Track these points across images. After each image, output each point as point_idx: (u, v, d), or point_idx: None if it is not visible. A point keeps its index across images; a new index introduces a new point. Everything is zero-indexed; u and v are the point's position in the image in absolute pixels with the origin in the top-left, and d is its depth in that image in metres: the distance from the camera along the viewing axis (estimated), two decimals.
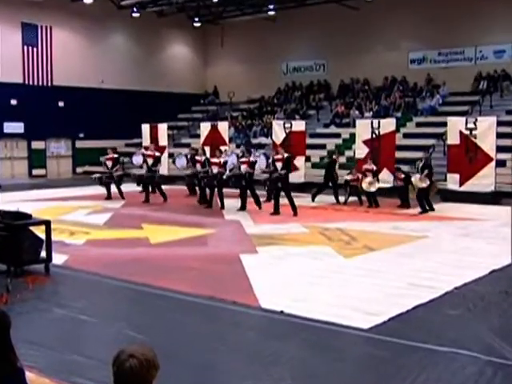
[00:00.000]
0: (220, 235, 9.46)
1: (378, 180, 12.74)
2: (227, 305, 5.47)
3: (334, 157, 14.06)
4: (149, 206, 13.09)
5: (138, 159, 14.45)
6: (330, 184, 13.51)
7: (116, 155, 14.43)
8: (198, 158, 13.25)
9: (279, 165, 11.52)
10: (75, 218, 11.18)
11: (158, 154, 14.26)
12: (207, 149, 15.48)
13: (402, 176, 12.57)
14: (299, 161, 15.26)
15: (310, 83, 24.74)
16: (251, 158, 12.04)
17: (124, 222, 10.85)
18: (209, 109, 26.30)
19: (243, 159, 12.16)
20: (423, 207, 11.76)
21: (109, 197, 14.01)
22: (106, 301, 5.85)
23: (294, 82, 25.20)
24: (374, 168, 12.88)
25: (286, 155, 11.66)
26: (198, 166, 13.24)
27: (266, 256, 7.69)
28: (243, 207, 12.06)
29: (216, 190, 12.57)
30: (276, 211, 11.45)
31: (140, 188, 14.85)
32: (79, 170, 23.29)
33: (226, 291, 5.90)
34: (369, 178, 12.63)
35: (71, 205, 13.27)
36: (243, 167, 11.93)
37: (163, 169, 16.69)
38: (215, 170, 12.44)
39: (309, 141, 17.60)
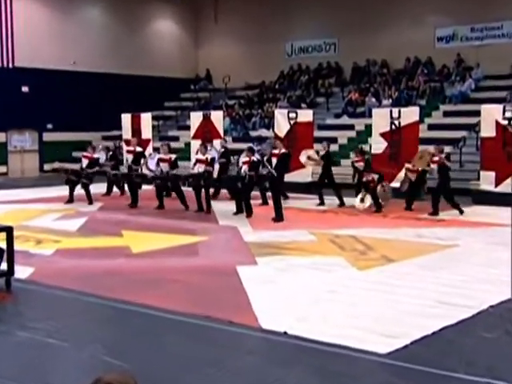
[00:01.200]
0: (213, 243, 9.48)
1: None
2: (222, 325, 5.48)
3: (326, 148, 13.93)
4: (130, 210, 13.11)
5: (152, 164, 13.99)
6: (327, 181, 13.54)
7: (96, 155, 14.38)
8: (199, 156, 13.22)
9: (274, 161, 11.53)
10: (43, 224, 11.18)
11: (139, 149, 14.27)
12: (197, 142, 15.52)
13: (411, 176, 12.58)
14: (303, 157, 15.25)
15: (319, 66, 24.80)
16: (253, 158, 12.01)
17: (101, 228, 10.86)
18: (200, 96, 26.39)
19: (244, 158, 12.16)
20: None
21: (71, 199, 13.97)
22: (79, 321, 5.83)
23: (299, 65, 25.26)
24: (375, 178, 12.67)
25: (282, 151, 11.67)
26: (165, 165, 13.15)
27: (266, 268, 7.71)
28: (239, 210, 12.11)
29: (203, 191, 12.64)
30: (278, 217, 11.45)
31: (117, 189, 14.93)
32: (47, 167, 23.30)
33: (220, 309, 5.90)
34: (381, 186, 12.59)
35: (38, 208, 13.27)
36: (244, 168, 11.94)
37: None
38: (201, 168, 12.45)
39: (317, 133, 17.64)
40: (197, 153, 13.43)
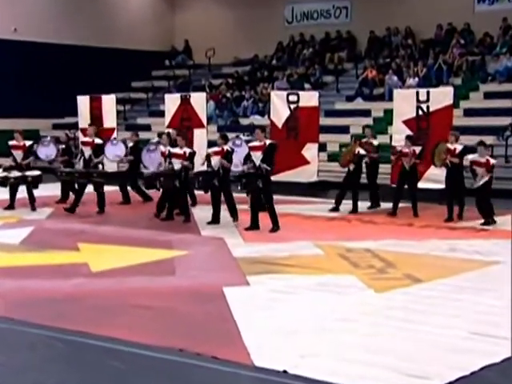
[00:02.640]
0: (194, 259, 9.47)
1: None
2: (204, 362, 5.45)
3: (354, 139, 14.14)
4: (87, 218, 13.07)
5: (152, 159, 13.70)
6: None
7: (28, 142, 14.19)
8: (161, 148, 13.18)
9: (257, 155, 11.54)
10: None
11: (98, 140, 14.17)
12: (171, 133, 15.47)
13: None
14: (310, 150, 15.29)
15: (326, 36, 24.90)
16: (226, 147, 12.10)
17: (51, 240, 10.80)
18: (177, 74, 26.44)
19: (216, 149, 12.25)
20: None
21: (11, 205, 13.87)
22: (21, 360, 5.76)
23: (302, 35, 25.36)
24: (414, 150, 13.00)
25: (268, 142, 11.72)
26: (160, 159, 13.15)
27: (260, 290, 7.70)
28: (215, 218, 12.22)
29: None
30: (276, 226, 11.53)
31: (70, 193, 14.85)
32: None
33: (202, 341, 5.88)
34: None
35: None
36: (215, 160, 12.00)
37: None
38: (177, 164, 12.47)
39: (324, 121, 17.69)
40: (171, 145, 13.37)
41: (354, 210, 13.52)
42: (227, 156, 12.02)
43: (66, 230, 11.79)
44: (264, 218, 11.63)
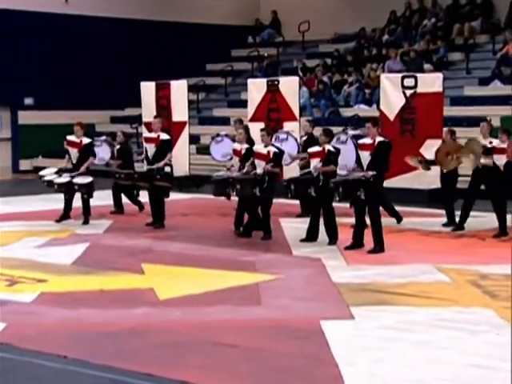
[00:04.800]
0: (284, 285, 9.47)
1: None
2: None
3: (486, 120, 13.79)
4: (152, 232, 13.30)
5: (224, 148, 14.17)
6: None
7: (86, 139, 14.46)
8: (236, 146, 13.29)
9: (366, 156, 11.46)
10: (20, 254, 11.43)
11: (164, 136, 14.26)
12: (256, 126, 15.58)
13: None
14: (431, 148, 15.05)
15: (454, 2, 24.49)
16: (328, 146, 12.01)
17: (110, 260, 11.00)
18: (263, 53, 26.53)
19: (315, 148, 12.25)
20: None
21: (66, 215, 14.23)
22: None
23: (421, 2, 25.04)
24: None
25: (378, 139, 11.52)
26: (234, 160, 13.24)
27: (368, 325, 7.65)
28: (312, 235, 12.23)
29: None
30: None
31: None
32: (25, 164, 23.99)
33: None
34: None
35: (12, 230, 13.60)
36: (313, 162, 12.05)
37: (179, 165, 16.94)
38: (260, 168, 12.45)
39: (449, 111, 17.37)
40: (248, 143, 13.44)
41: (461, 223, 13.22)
42: (329, 158, 11.90)
43: (127, 247, 12.03)
44: (368, 234, 11.58)
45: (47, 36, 23.87)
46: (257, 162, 12.57)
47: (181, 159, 17.20)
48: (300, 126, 15.86)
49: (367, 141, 11.66)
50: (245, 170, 12.65)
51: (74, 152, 14.28)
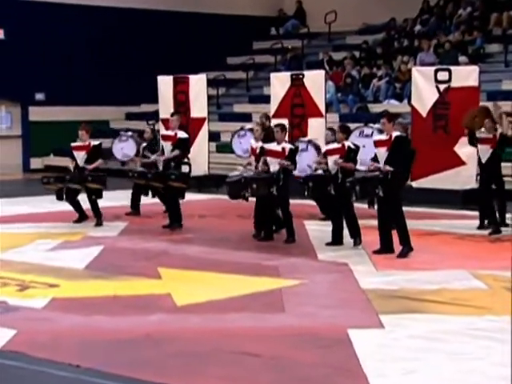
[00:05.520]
0: (309, 291, 9.48)
1: None
2: None
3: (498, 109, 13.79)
4: (169, 235, 13.35)
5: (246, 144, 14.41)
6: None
7: (95, 141, 14.42)
8: (252, 143, 13.29)
9: (382, 152, 11.40)
10: (31, 258, 11.48)
11: (181, 134, 14.23)
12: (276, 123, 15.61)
13: None
14: (466, 146, 14.98)
15: None
16: (348, 143, 12.05)
17: (125, 263, 11.06)
18: (287, 45, 26.52)
19: (334, 145, 12.29)
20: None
21: (81, 217, 14.33)
22: None
23: None
24: None
25: (394, 134, 11.49)
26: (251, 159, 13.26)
27: (399, 335, 7.63)
28: (337, 238, 12.25)
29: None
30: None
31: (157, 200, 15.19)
32: (36, 163, 24.10)
33: None
34: None
35: (23, 232, 13.69)
36: (331, 160, 12.06)
37: (198, 163, 17.00)
38: (274, 165, 12.47)
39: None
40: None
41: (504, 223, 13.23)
42: (349, 155, 11.95)
43: (142, 250, 12.06)
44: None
45: (59, 28, 23.98)
46: (269, 159, 12.59)
47: (200, 158, 17.28)
48: (326, 123, 15.88)
49: (383, 137, 11.70)
50: (260, 169, 12.67)
51: (81, 155, 14.24)
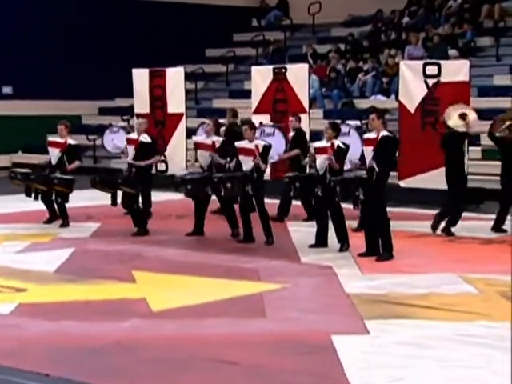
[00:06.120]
0: (291, 296, 9.48)
1: None
2: None
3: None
4: (144, 237, 13.32)
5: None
6: None
7: (71, 141, 14.32)
8: (198, 138, 13.35)
9: (369, 151, 11.44)
10: None
11: (144, 138, 13.85)
12: (260, 119, 15.65)
13: None
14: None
15: None
16: (337, 142, 12.06)
17: (97, 266, 11.03)
18: (268, 38, 26.53)
19: (322, 143, 12.30)
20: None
21: (52, 218, 14.28)
22: None
23: None
24: None
25: (382, 134, 11.51)
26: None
27: (385, 341, 7.64)
28: (321, 240, 12.27)
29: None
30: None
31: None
32: (3, 160, 23.95)
33: None
34: None
35: None
36: (320, 159, 12.05)
37: (175, 161, 16.96)
38: (247, 163, 12.52)
39: (477, 102, 17.33)
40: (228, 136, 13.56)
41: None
42: (339, 154, 11.92)
43: (116, 252, 12.03)
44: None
45: (26, 18, 23.86)
46: (242, 157, 12.63)
47: (177, 155, 17.24)
48: (309, 120, 15.89)
49: (371, 135, 11.70)
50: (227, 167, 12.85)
51: (55, 152, 14.20)
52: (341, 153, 11.92)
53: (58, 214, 14.20)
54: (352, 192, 11.52)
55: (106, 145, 16.66)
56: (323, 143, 12.20)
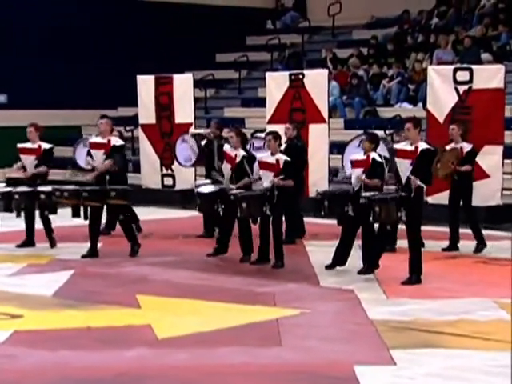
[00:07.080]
0: (309, 322, 9.46)
1: None
2: None
3: None
4: (148, 257, 13.31)
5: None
6: None
7: (46, 144, 14.20)
8: (228, 149, 13.36)
9: (406, 164, 11.34)
10: None
11: (116, 141, 13.65)
12: (277, 129, 15.62)
13: None
14: (490, 157, 15.03)
15: None
16: (373, 155, 11.99)
17: (98, 290, 11.03)
18: (284, 41, 26.57)
19: (357, 156, 12.28)
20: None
21: (29, 240, 14.15)
22: None
23: None
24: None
25: (422, 146, 11.44)
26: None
27: (414, 373, 7.61)
28: (340, 259, 12.24)
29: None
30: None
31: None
32: None
33: None
34: None
35: None
36: (355, 174, 12.03)
37: (183, 176, 16.99)
38: (267, 180, 12.49)
39: None
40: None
41: None
42: (375, 169, 11.77)
43: (119, 275, 12.07)
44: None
45: (24, 22, 23.90)
46: (263, 173, 12.58)
47: (185, 169, 17.23)
48: (329, 130, 15.89)
49: (408, 147, 11.47)
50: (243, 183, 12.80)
51: (29, 160, 14.09)
52: (377, 167, 11.76)
53: (46, 234, 14.10)
54: (341, 208, 11.64)
55: (79, 160, 15.70)
56: (360, 156, 12.08)
